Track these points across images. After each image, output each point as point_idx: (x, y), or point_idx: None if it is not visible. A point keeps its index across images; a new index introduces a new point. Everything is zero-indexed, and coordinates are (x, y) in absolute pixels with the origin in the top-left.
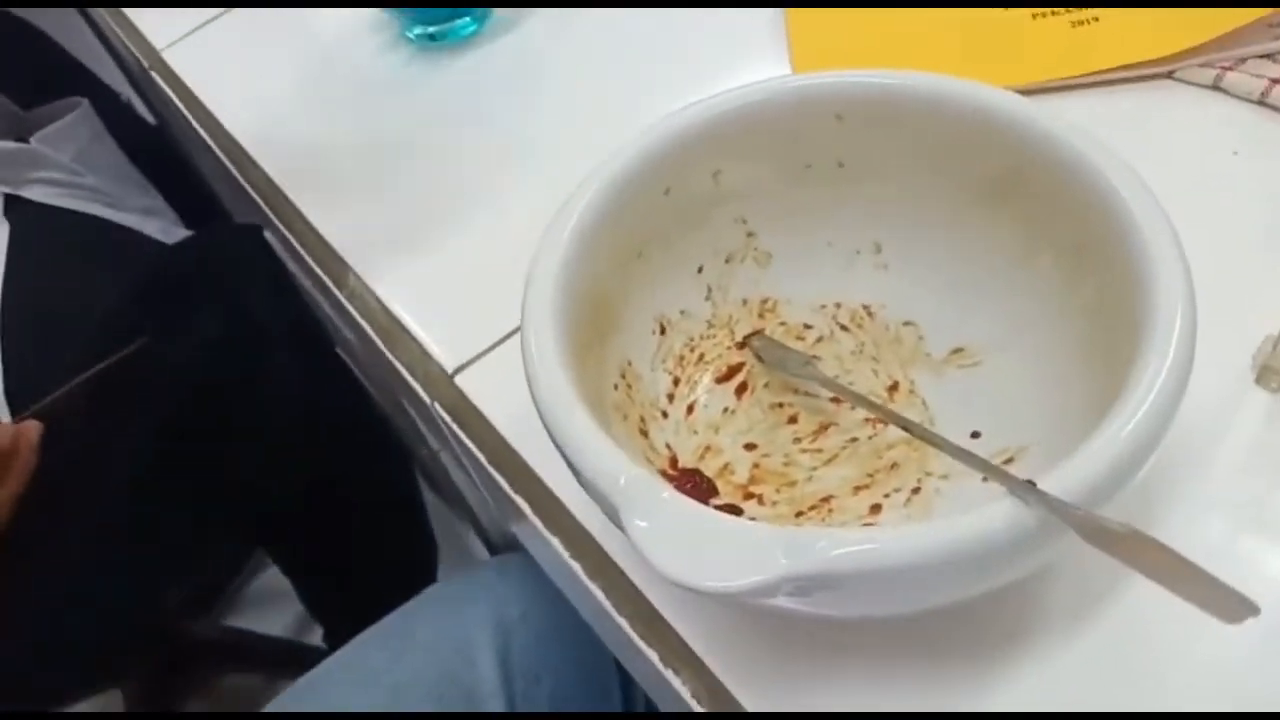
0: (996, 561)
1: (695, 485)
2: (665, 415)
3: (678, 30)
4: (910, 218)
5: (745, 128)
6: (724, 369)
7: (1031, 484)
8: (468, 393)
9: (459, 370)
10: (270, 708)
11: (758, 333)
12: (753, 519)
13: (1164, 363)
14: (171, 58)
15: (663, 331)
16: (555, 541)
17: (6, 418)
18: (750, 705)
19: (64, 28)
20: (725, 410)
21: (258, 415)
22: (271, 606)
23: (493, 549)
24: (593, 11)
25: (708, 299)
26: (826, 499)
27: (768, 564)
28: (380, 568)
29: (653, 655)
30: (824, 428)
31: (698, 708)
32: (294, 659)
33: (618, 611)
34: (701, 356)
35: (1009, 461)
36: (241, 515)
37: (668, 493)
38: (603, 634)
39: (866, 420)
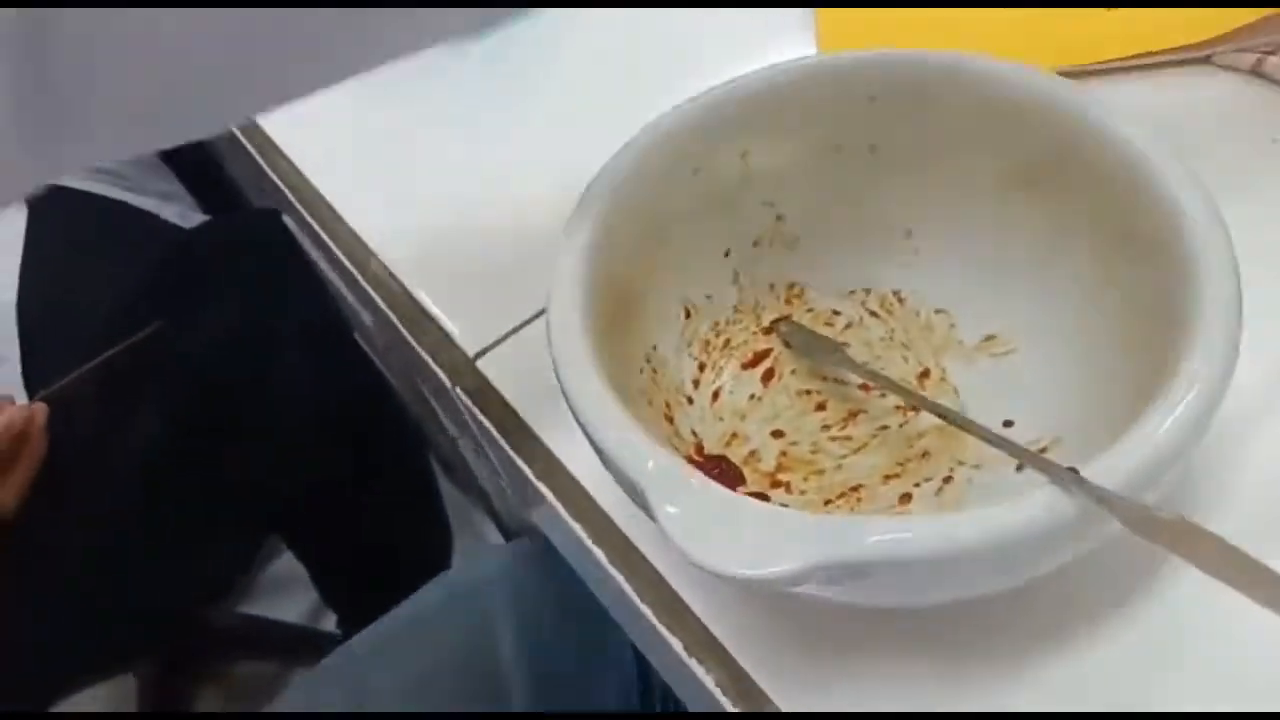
0: (1035, 551)
1: (721, 472)
2: (691, 401)
3: (710, 21)
4: (943, 203)
5: (775, 108)
6: (750, 355)
7: (1074, 471)
8: (490, 377)
9: (480, 354)
10: (291, 690)
11: (785, 318)
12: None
13: (1211, 360)
14: None
15: (688, 316)
16: (578, 528)
17: (23, 399)
18: (774, 694)
19: None
20: (752, 397)
21: (274, 403)
22: (285, 593)
23: (508, 536)
24: None
25: (734, 283)
26: (856, 488)
27: (801, 551)
28: (395, 556)
29: (676, 644)
30: (853, 415)
31: (721, 697)
32: (308, 645)
33: (640, 599)
34: (728, 342)
35: (1043, 451)
36: (255, 503)
37: (696, 479)
38: (624, 622)
39: (897, 408)
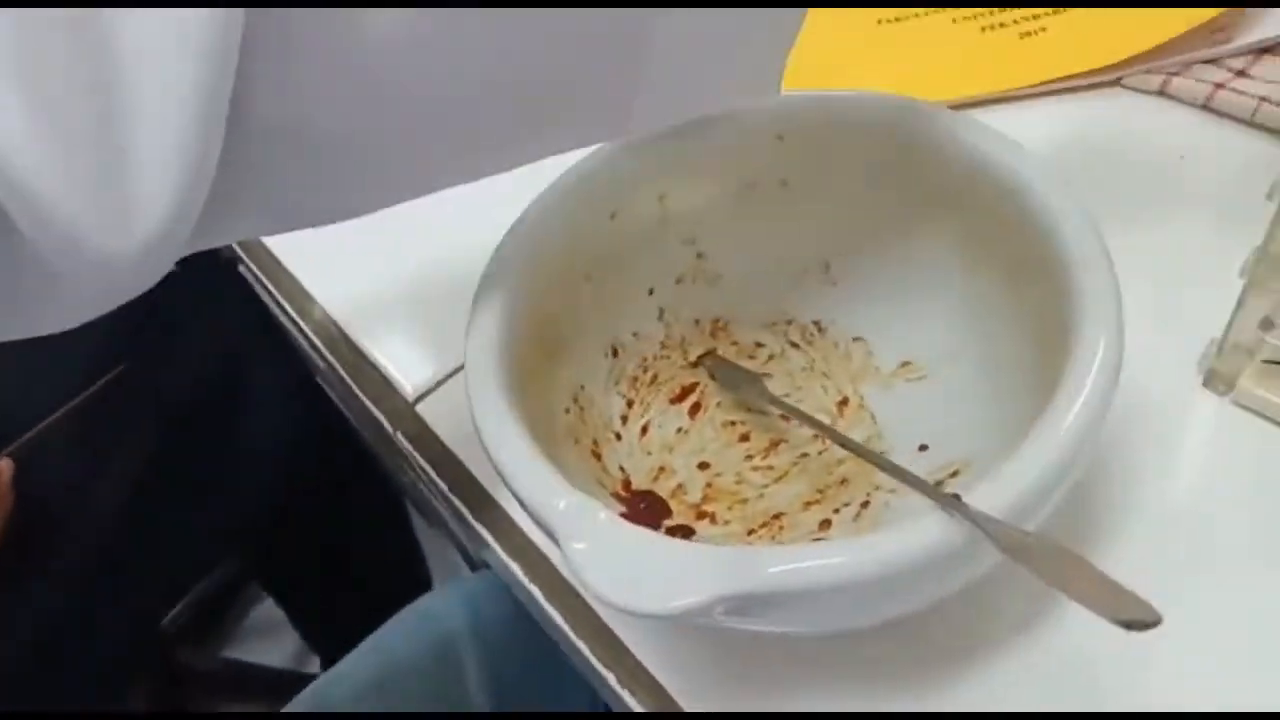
0: (926, 578)
1: (649, 507)
2: (619, 437)
3: None
4: (855, 234)
5: (686, 150)
6: (678, 389)
7: (957, 498)
8: (429, 421)
9: (420, 398)
10: None
11: (710, 353)
12: (705, 538)
13: (1084, 387)
14: None
15: (615, 354)
16: (514, 566)
17: None
18: None
19: None
20: (679, 430)
21: (241, 443)
22: (270, 637)
23: (474, 567)
24: None
25: (660, 320)
26: (778, 516)
27: (703, 585)
28: (372, 592)
29: (610, 677)
30: (775, 445)
31: None
32: (294, 689)
33: (575, 634)
34: (655, 377)
35: (955, 474)
36: (229, 540)
37: (604, 514)
38: (567, 654)
39: (816, 436)
